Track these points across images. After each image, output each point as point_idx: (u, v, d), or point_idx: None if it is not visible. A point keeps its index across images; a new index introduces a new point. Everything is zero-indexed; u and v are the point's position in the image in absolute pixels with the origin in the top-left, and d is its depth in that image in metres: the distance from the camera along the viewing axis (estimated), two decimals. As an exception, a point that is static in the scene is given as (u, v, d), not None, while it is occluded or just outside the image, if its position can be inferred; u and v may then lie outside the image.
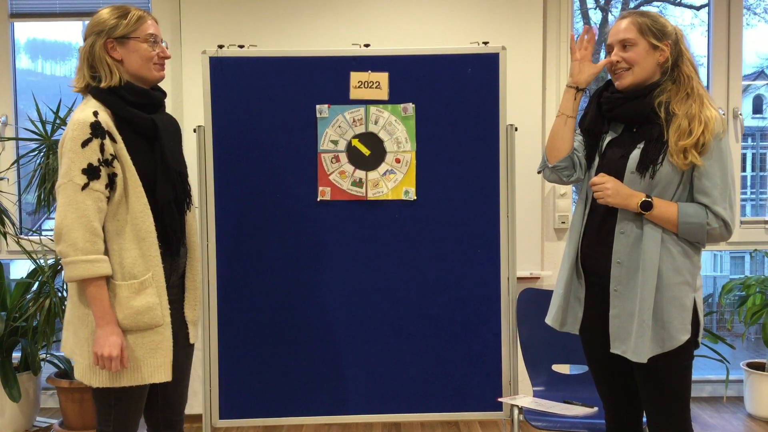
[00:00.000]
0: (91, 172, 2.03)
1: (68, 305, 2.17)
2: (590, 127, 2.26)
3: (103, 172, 2.04)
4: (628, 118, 2.19)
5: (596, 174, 2.21)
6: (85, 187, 2.02)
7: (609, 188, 2.13)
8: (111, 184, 2.07)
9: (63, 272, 2.05)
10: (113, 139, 2.07)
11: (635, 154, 2.13)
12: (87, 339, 2.09)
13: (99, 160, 2.03)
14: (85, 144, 2.02)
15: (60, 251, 2.03)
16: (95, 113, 2.05)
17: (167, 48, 2.25)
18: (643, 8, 2.30)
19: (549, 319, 2.36)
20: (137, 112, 2.12)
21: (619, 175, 2.16)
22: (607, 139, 2.23)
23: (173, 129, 2.24)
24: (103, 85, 2.10)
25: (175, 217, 2.18)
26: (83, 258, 2.01)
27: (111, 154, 2.06)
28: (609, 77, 2.26)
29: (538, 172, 2.41)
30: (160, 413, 2.31)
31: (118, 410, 2.14)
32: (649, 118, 2.13)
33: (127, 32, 2.11)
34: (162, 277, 2.13)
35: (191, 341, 2.33)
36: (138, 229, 2.08)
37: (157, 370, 2.12)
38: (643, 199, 2.08)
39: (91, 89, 2.12)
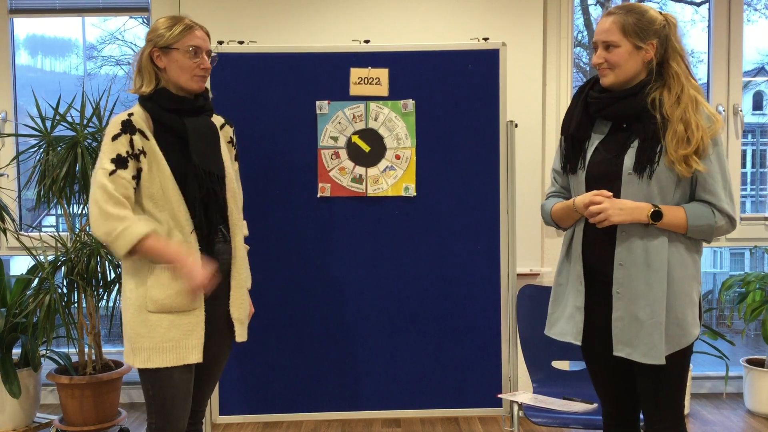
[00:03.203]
0: (119, 162, 2.16)
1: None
2: (576, 133, 2.21)
3: (131, 164, 2.18)
4: (618, 116, 2.15)
5: (585, 179, 2.17)
6: (112, 173, 2.15)
7: (609, 207, 2.06)
8: (137, 178, 2.20)
9: (115, 252, 2.16)
10: (145, 137, 2.21)
11: (631, 154, 2.09)
12: (127, 323, 2.22)
13: (128, 152, 2.17)
14: (115, 138, 2.18)
15: (101, 236, 2.13)
16: (130, 114, 2.22)
17: (214, 59, 2.37)
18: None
19: (569, 336, 2.23)
20: (169, 115, 2.25)
21: (616, 176, 2.11)
22: (595, 142, 2.19)
23: (207, 132, 2.33)
24: (142, 91, 2.26)
25: (201, 214, 2.25)
26: (121, 228, 2.10)
27: (139, 149, 2.19)
28: (593, 75, 2.24)
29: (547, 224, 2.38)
30: None
31: (156, 397, 2.22)
32: (641, 116, 2.08)
33: (170, 43, 2.25)
34: (200, 264, 2.22)
35: (238, 339, 2.39)
36: (177, 218, 2.20)
37: (192, 351, 2.21)
38: (653, 209, 2.05)
39: (139, 95, 2.29)
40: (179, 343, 2.19)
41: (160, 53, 2.25)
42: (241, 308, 2.38)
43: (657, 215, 2.05)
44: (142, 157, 2.19)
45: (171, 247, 2.17)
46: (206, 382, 2.40)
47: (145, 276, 2.20)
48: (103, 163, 2.15)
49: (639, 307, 2.08)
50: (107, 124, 2.42)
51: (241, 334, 2.39)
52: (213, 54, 2.37)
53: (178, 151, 2.24)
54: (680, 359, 2.10)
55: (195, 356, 2.22)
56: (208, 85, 2.38)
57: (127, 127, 2.19)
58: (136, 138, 2.19)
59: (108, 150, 2.16)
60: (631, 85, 2.12)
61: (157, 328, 2.18)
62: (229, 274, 2.36)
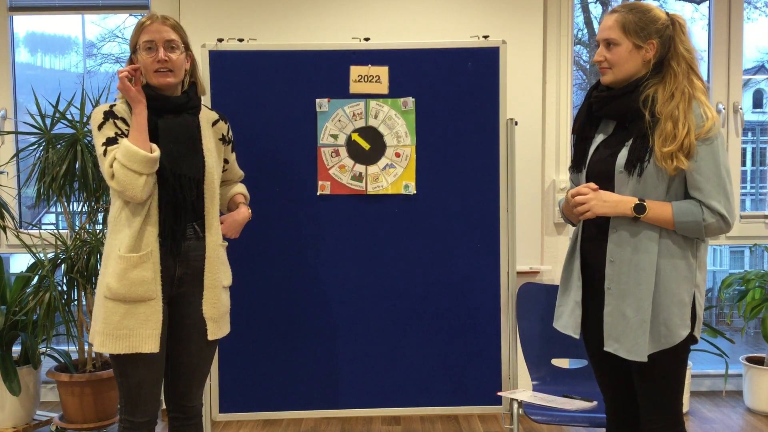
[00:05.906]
0: (110, 143, 2.23)
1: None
2: (579, 132, 2.24)
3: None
4: (616, 115, 2.16)
5: (585, 177, 2.18)
6: (105, 153, 2.22)
7: (592, 198, 2.09)
8: None
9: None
10: (126, 124, 2.26)
11: (623, 153, 2.10)
12: (94, 307, 2.30)
13: (116, 133, 2.24)
14: (100, 127, 2.25)
15: (122, 190, 2.18)
16: (111, 105, 2.28)
17: (177, 47, 2.28)
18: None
19: (569, 329, 2.26)
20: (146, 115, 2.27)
21: (609, 174, 2.12)
22: (598, 140, 2.20)
23: (182, 133, 2.30)
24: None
25: (168, 218, 2.26)
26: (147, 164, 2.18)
27: (126, 130, 2.25)
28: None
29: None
30: (171, 397, 2.43)
31: (124, 383, 2.27)
32: (638, 114, 2.08)
33: (133, 45, 2.29)
34: (158, 257, 2.25)
35: (210, 337, 2.37)
36: (139, 211, 2.22)
37: (146, 340, 2.23)
38: (636, 202, 2.05)
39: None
40: (134, 331, 2.22)
41: (134, 57, 2.29)
42: (214, 307, 2.36)
43: (641, 208, 2.05)
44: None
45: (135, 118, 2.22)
46: (189, 377, 2.40)
47: (106, 263, 2.25)
48: (99, 149, 2.23)
49: (627, 304, 2.09)
50: None
51: (213, 332, 2.37)
52: (178, 42, 2.28)
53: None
54: (670, 359, 2.09)
55: (150, 345, 2.23)
56: (207, 84, 2.38)
57: (109, 114, 2.25)
58: (120, 122, 2.24)
59: (99, 137, 2.23)
60: (630, 82, 2.12)
61: (112, 315, 2.22)
62: (203, 273, 2.35)
